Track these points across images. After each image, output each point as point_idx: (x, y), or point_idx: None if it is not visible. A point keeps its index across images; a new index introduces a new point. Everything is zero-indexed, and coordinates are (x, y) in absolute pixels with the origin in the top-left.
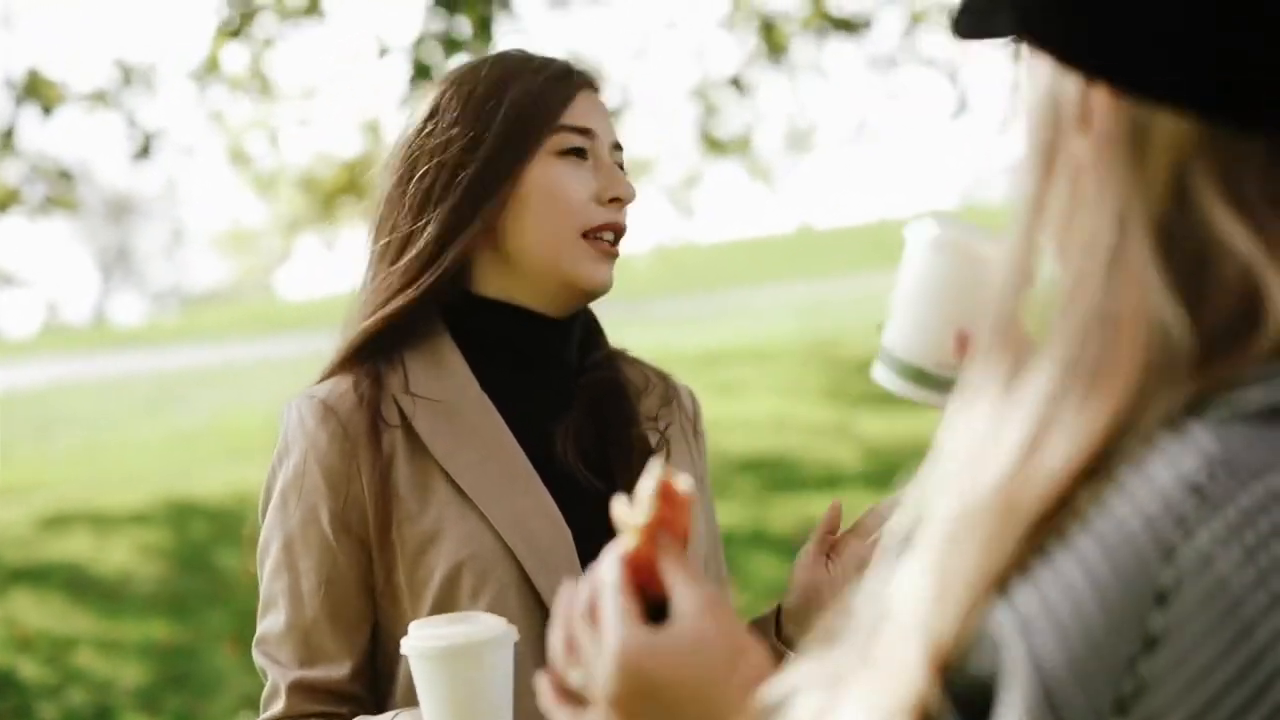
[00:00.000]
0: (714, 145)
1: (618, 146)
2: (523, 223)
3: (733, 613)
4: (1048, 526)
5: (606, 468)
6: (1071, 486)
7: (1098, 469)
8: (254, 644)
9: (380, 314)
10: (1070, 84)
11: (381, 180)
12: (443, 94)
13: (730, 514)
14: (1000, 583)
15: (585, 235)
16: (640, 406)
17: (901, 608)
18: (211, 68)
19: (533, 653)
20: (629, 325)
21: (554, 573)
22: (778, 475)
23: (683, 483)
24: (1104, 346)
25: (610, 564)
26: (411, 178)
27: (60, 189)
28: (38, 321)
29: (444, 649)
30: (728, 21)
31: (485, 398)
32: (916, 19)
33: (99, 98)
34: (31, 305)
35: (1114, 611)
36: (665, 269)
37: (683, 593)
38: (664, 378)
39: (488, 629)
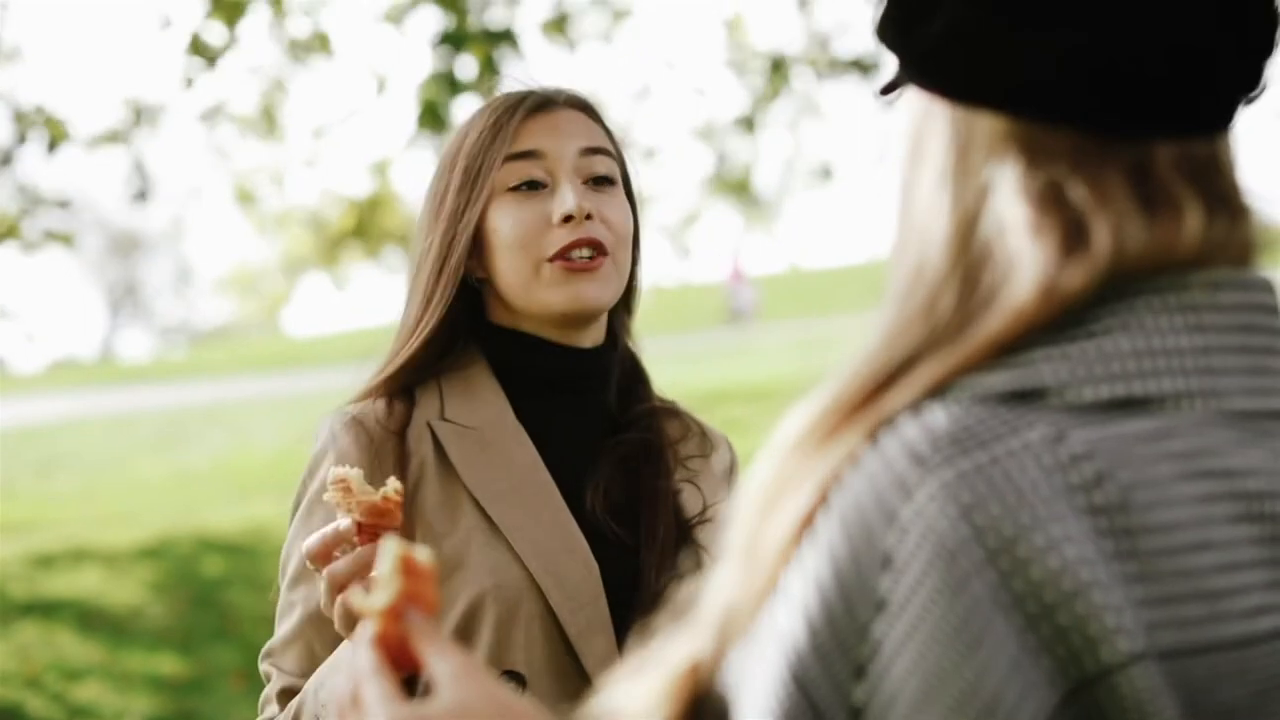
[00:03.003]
0: (726, 187)
1: (591, 151)
2: (496, 263)
3: (489, 674)
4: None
5: (635, 523)
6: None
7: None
8: (261, 654)
9: (401, 355)
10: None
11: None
12: (446, 145)
13: None
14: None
15: (553, 259)
16: (674, 459)
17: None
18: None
19: (557, 690)
20: None
21: (581, 608)
22: None
23: (422, 554)
24: (893, 313)
25: (363, 651)
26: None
27: (60, 222)
28: (45, 357)
29: None
30: (735, 63)
31: (520, 428)
32: None
33: (111, 137)
34: (39, 340)
35: (848, 582)
36: (664, 308)
37: (438, 663)
38: (703, 429)
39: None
